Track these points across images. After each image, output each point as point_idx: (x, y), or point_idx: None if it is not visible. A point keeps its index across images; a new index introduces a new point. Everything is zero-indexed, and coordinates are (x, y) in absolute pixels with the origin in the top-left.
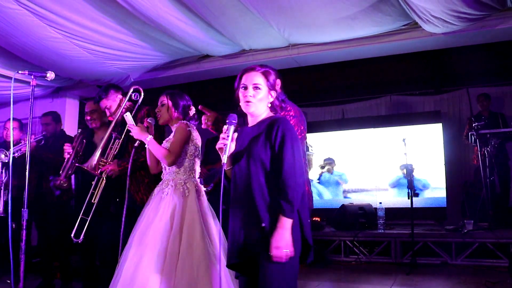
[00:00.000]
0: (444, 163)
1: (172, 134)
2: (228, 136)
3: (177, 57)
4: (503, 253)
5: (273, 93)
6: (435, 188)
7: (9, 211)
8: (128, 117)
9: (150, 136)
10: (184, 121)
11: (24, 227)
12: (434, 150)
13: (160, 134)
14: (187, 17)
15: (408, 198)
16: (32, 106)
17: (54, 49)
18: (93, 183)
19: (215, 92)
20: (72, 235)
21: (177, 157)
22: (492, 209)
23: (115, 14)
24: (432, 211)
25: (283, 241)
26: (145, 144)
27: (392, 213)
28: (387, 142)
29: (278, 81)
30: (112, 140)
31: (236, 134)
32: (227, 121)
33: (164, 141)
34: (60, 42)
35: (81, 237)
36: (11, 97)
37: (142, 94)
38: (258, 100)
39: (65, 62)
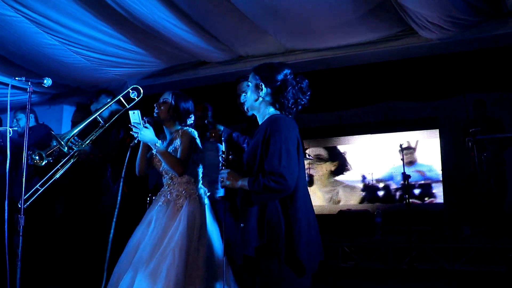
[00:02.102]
0: (441, 168)
1: (169, 140)
2: (223, 152)
3: (174, 63)
4: (501, 259)
5: (262, 86)
6: (432, 194)
7: (6, 216)
8: (136, 115)
9: (160, 142)
10: (188, 127)
11: (21, 233)
12: (431, 155)
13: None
14: (184, 24)
15: (405, 204)
16: (28, 112)
17: (51, 55)
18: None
19: (213, 98)
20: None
21: (187, 167)
22: (489, 214)
23: (112, 21)
24: (430, 217)
25: (230, 177)
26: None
27: (389, 218)
28: (384, 148)
29: (271, 74)
30: (98, 128)
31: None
32: (222, 138)
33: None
34: (57, 48)
35: (26, 204)
36: (8, 103)
37: (142, 93)
38: (248, 98)
39: (62, 68)
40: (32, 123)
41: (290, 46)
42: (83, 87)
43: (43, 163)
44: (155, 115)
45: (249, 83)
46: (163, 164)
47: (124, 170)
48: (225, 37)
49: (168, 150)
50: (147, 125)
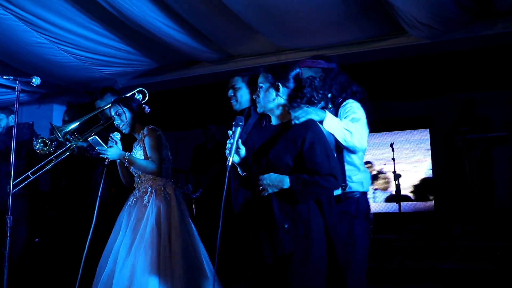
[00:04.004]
0: (431, 167)
1: (138, 141)
2: (233, 139)
3: (166, 62)
4: (490, 256)
5: (278, 85)
6: (422, 193)
7: None
8: (95, 140)
9: (128, 154)
10: (151, 126)
11: (8, 234)
12: (421, 155)
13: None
14: (175, 23)
15: (396, 203)
16: (17, 111)
17: (41, 54)
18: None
19: (204, 97)
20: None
21: (161, 165)
22: (479, 212)
23: (102, 20)
24: (420, 216)
25: (273, 180)
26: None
27: (380, 218)
28: (374, 147)
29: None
30: (97, 125)
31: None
32: (233, 123)
33: (135, 151)
34: (47, 47)
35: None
36: None
37: (147, 96)
38: (262, 99)
39: (51, 67)
40: (11, 123)
41: (281, 45)
42: (74, 87)
43: (46, 150)
44: (123, 131)
45: (261, 85)
46: (132, 169)
47: (102, 185)
48: (216, 37)
49: (134, 151)
50: (111, 143)
